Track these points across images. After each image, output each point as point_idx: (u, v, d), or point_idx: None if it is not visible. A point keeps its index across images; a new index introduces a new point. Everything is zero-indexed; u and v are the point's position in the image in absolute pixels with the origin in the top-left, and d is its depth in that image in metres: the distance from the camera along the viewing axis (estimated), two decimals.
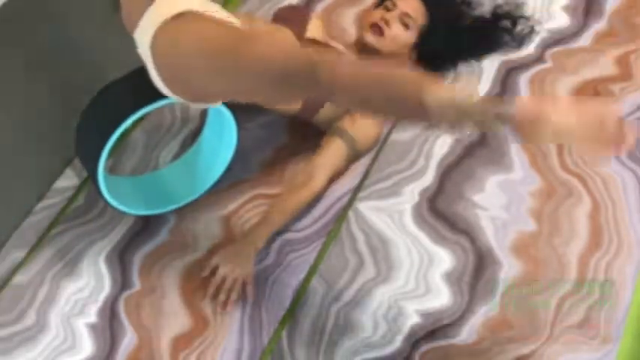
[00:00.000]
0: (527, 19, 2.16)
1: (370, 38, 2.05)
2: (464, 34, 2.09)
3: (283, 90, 1.60)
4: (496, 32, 2.12)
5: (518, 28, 2.13)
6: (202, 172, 2.03)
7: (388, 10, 2.06)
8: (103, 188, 1.84)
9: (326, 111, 2.02)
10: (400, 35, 2.04)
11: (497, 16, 2.13)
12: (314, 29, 2.12)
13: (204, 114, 2.18)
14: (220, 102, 1.80)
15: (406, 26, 2.04)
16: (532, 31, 2.16)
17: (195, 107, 1.80)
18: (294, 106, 1.98)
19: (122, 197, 1.94)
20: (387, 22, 2.04)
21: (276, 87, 1.58)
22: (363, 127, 2.02)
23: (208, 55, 1.61)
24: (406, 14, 2.04)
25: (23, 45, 1.86)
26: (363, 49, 2.08)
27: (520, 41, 2.14)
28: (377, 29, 2.04)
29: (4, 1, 1.76)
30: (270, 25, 2.07)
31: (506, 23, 2.13)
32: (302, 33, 2.08)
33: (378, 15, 2.05)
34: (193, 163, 2.06)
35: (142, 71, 1.80)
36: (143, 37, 1.69)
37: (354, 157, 2.04)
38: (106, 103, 1.86)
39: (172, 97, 1.74)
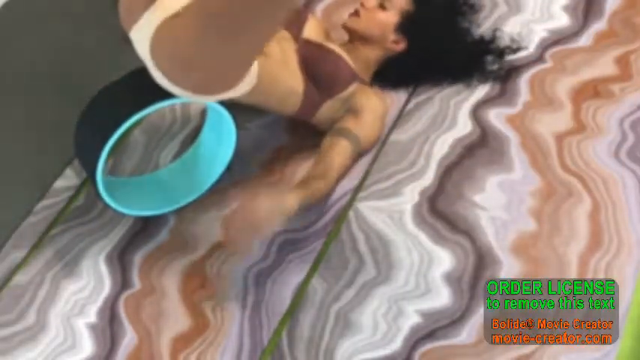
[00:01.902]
0: (505, 53, 2.21)
1: (347, 21, 2.10)
2: (445, 42, 2.12)
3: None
4: (476, 62, 2.17)
5: (494, 65, 2.19)
6: (202, 172, 2.03)
7: None
8: (101, 190, 1.84)
9: (324, 111, 2.02)
10: (377, 15, 2.08)
11: (485, 45, 2.17)
12: (310, 30, 2.13)
13: (203, 114, 2.18)
14: (221, 92, 1.78)
15: (384, 8, 2.08)
16: (501, 70, 2.20)
17: (196, 101, 1.79)
18: (293, 107, 1.98)
19: (121, 198, 1.94)
20: (363, 5, 2.10)
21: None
22: (366, 126, 2.02)
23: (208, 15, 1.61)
24: None
25: (23, 45, 1.86)
26: (348, 39, 2.13)
27: (487, 79, 2.19)
28: (354, 12, 2.10)
29: (4, 1, 1.76)
30: None
31: (489, 57, 2.18)
32: (298, 34, 2.08)
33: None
34: (192, 163, 2.06)
35: (141, 72, 1.80)
36: (143, 29, 1.69)
37: (358, 155, 2.04)
38: (105, 105, 1.86)
39: (173, 89, 1.73)
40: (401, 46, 2.10)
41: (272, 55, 1.92)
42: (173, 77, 1.72)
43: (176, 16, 1.65)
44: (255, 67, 1.83)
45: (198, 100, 1.79)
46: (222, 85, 1.76)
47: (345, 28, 2.11)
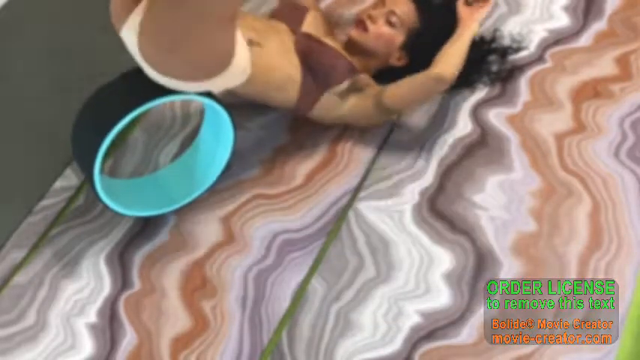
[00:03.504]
0: (508, 52, 2.20)
1: (354, 33, 2.08)
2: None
3: None
4: (483, 65, 2.16)
5: (497, 66, 2.19)
6: (200, 172, 2.03)
7: (376, 8, 2.07)
8: (99, 190, 1.84)
9: (323, 105, 2.02)
10: (385, 33, 2.06)
11: (490, 46, 2.16)
12: (309, 25, 2.13)
13: (202, 114, 2.18)
14: (211, 74, 1.78)
15: (392, 25, 2.05)
16: (503, 70, 2.20)
17: (191, 93, 1.78)
18: (291, 97, 1.98)
19: (121, 199, 1.94)
20: (371, 18, 2.07)
21: None
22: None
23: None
24: (393, 13, 2.05)
25: (23, 45, 1.86)
26: (350, 45, 2.10)
27: (491, 80, 2.18)
28: (361, 25, 2.07)
29: (4, 2, 1.76)
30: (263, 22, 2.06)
31: (493, 58, 2.17)
32: (296, 28, 2.08)
33: (365, 12, 2.07)
34: (191, 163, 2.06)
35: (137, 72, 1.80)
36: (131, 28, 1.70)
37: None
38: (99, 106, 1.86)
39: (165, 81, 1.73)
40: (402, 62, 2.10)
41: (270, 45, 1.93)
42: (160, 66, 1.72)
43: (150, 6, 1.66)
44: (247, 55, 1.82)
45: (192, 91, 1.78)
46: (209, 65, 1.75)
47: (351, 40, 2.09)
